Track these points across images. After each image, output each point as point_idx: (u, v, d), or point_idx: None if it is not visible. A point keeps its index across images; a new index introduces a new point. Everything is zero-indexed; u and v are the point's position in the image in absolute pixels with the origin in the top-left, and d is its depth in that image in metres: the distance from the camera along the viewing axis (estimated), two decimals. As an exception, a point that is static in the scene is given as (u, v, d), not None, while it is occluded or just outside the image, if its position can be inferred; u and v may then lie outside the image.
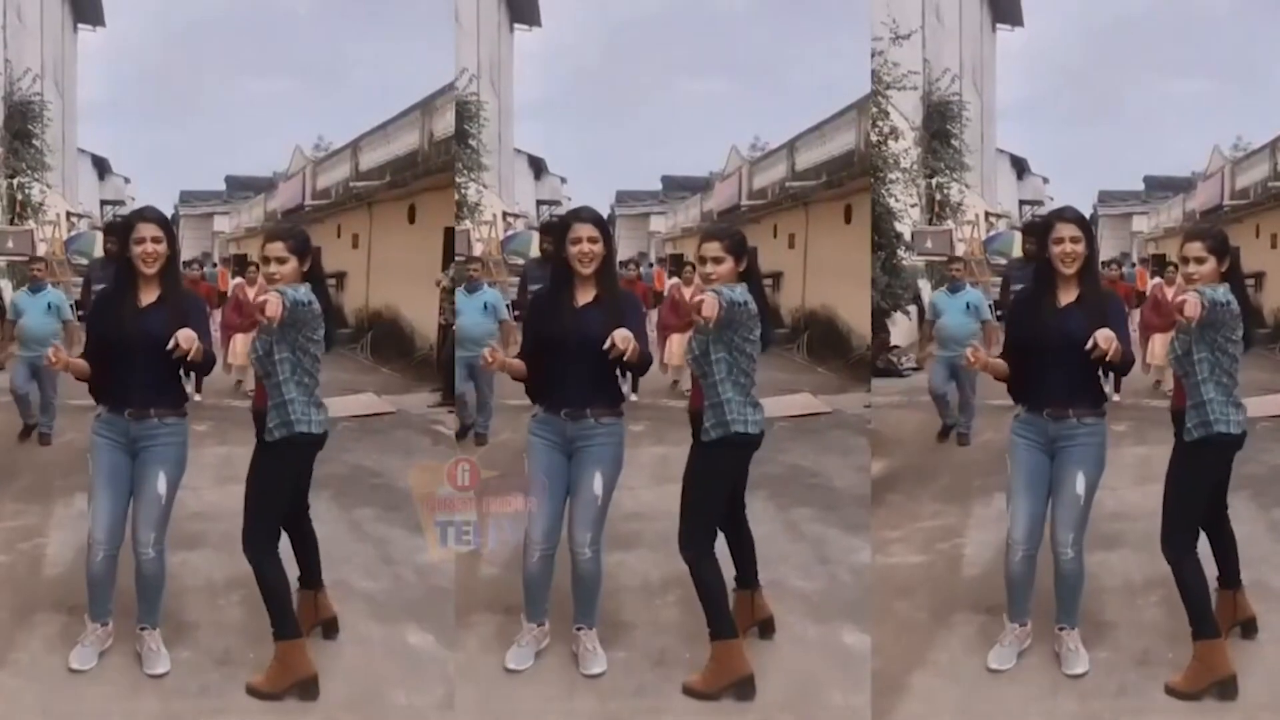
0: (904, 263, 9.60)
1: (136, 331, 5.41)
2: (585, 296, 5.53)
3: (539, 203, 9.37)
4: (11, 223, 9.13)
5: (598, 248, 5.51)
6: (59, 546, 6.76)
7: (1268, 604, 6.06)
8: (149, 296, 5.49)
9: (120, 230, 5.63)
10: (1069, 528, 5.48)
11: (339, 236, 9.14)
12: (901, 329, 9.47)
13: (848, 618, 6.10)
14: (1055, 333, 5.43)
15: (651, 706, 5.49)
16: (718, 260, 5.40)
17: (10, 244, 9.11)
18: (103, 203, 9.76)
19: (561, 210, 9.46)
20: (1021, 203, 10.39)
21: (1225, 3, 9.10)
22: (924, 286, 9.82)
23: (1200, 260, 5.29)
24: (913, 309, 9.68)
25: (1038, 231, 5.65)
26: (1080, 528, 5.50)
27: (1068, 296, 5.48)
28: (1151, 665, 5.58)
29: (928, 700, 5.57)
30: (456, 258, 8.14)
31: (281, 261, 5.41)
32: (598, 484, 5.53)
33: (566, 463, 5.57)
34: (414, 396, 8.42)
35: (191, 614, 5.98)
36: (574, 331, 5.47)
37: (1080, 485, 5.46)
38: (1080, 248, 5.45)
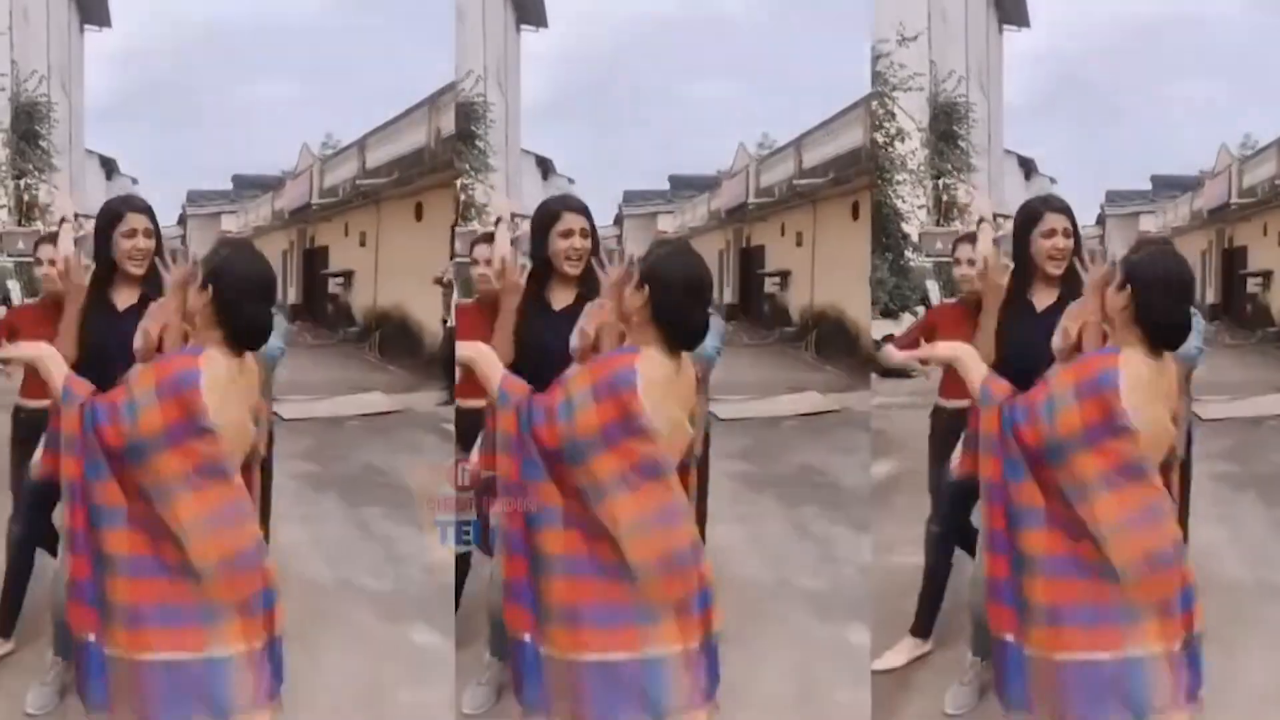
0: (912, 264, 9.60)
1: (115, 341, 4.42)
2: (566, 298, 4.72)
3: (546, 203, 9.36)
4: (19, 224, 9.16)
5: (588, 243, 4.71)
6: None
7: (1276, 604, 6.06)
8: (129, 298, 4.67)
9: (103, 219, 4.69)
10: None
11: (347, 235, 9.15)
12: (909, 330, 9.46)
13: (853, 615, 6.09)
14: (1042, 341, 4.37)
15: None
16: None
17: (19, 245, 9.14)
18: (110, 203, 9.77)
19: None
20: (1029, 203, 10.38)
21: (1233, 2, 9.10)
22: (931, 288, 9.82)
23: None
24: (920, 310, 9.68)
25: (1020, 219, 4.82)
26: None
27: (1048, 298, 4.73)
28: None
29: (930, 698, 5.56)
30: (457, 258, 8.13)
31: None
32: None
33: None
34: (422, 395, 8.41)
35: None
36: (556, 339, 4.50)
37: None
38: (1070, 244, 4.72)
